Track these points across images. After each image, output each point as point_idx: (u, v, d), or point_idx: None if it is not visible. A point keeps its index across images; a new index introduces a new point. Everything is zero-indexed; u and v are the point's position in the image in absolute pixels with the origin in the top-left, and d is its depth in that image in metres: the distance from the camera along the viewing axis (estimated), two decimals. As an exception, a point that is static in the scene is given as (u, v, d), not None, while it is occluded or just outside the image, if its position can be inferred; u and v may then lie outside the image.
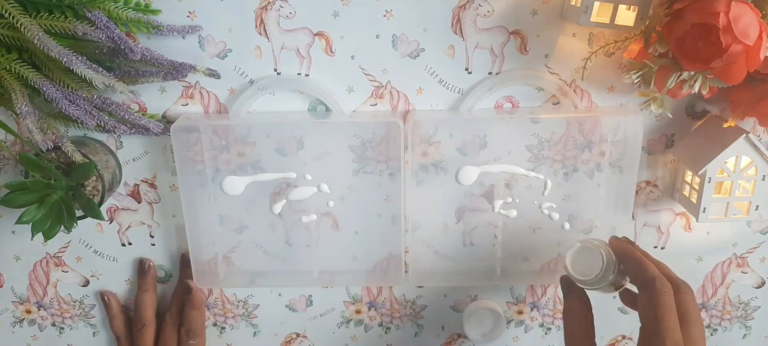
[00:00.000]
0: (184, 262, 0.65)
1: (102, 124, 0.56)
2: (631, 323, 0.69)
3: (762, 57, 0.46)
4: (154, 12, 0.54)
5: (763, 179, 0.56)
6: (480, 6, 0.55)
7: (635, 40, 0.53)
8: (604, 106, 0.59)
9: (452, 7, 0.55)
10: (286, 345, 0.71)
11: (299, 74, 0.58)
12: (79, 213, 0.54)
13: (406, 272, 0.64)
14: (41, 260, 0.66)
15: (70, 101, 0.53)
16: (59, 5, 0.51)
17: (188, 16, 0.55)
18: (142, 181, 0.62)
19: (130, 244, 0.65)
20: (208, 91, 0.58)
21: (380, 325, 0.70)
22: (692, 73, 0.49)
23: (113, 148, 0.61)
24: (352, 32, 0.56)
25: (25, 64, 0.52)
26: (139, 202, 0.63)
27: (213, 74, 0.56)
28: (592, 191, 0.61)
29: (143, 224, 0.64)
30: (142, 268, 0.66)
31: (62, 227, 0.54)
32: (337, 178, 0.61)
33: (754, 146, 0.54)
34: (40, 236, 0.53)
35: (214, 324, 0.70)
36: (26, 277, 0.67)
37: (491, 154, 0.60)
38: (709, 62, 0.46)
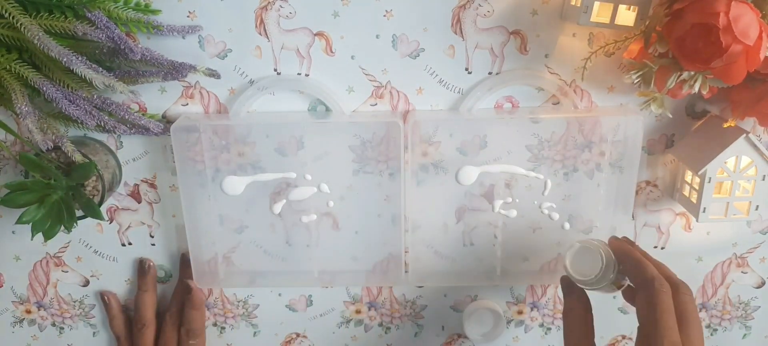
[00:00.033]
0: (184, 262, 0.65)
1: (102, 124, 0.56)
2: (631, 323, 0.69)
3: (762, 57, 0.46)
4: (154, 12, 0.54)
5: (763, 179, 0.56)
6: (480, 6, 0.55)
7: (635, 40, 0.53)
8: (604, 106, 0.59)
9: (452, 7, 0.55)
10: (286, 345, 0.71)
11: (299, 74, 0.58)
12: (79, 213, 0.55)
13: (406, 272, 0.64)
14: (41, 260, 0.66)
15: (70, 101, 0.53)
16: (59, 5, 0.51)
17: (188, 16, 0.55)
18: (142, 181, 0.62)
19: (130, 244, 0.65)
20: (208, 91, 0.58)
21: (380, 325, 0.70)
22: (692, 73, 0.49)
23: (113, 148, 0.61)
24: (352, 32, 0.56)
25: (25, 64, 0.52)
26: (139, 202, 0.63)
27: (213, 74, 0.56)
28: (592, 191, 0.61)
29: (143, 224, 0.64)
30: (142, 268, 0.66)
31: (62, 227, 0.54)
32: (337, 178, 0.61)
33: (754, 146, 0.54)
34: (40, 236, 0.53)
35: (214, 324, 0.70)
36: (26, 277, 0.67)
37: (491, 154, 0.60)
38: (709, 62, 0.46)
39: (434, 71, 0.57)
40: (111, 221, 0.64)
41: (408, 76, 0.58)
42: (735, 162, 0.56)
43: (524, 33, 0.56)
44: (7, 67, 0.52)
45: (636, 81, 0.51)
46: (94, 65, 0.50)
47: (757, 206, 0.57)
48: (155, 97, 0.58)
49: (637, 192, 0.62)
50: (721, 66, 0.46)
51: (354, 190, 0.61)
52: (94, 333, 0.70)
